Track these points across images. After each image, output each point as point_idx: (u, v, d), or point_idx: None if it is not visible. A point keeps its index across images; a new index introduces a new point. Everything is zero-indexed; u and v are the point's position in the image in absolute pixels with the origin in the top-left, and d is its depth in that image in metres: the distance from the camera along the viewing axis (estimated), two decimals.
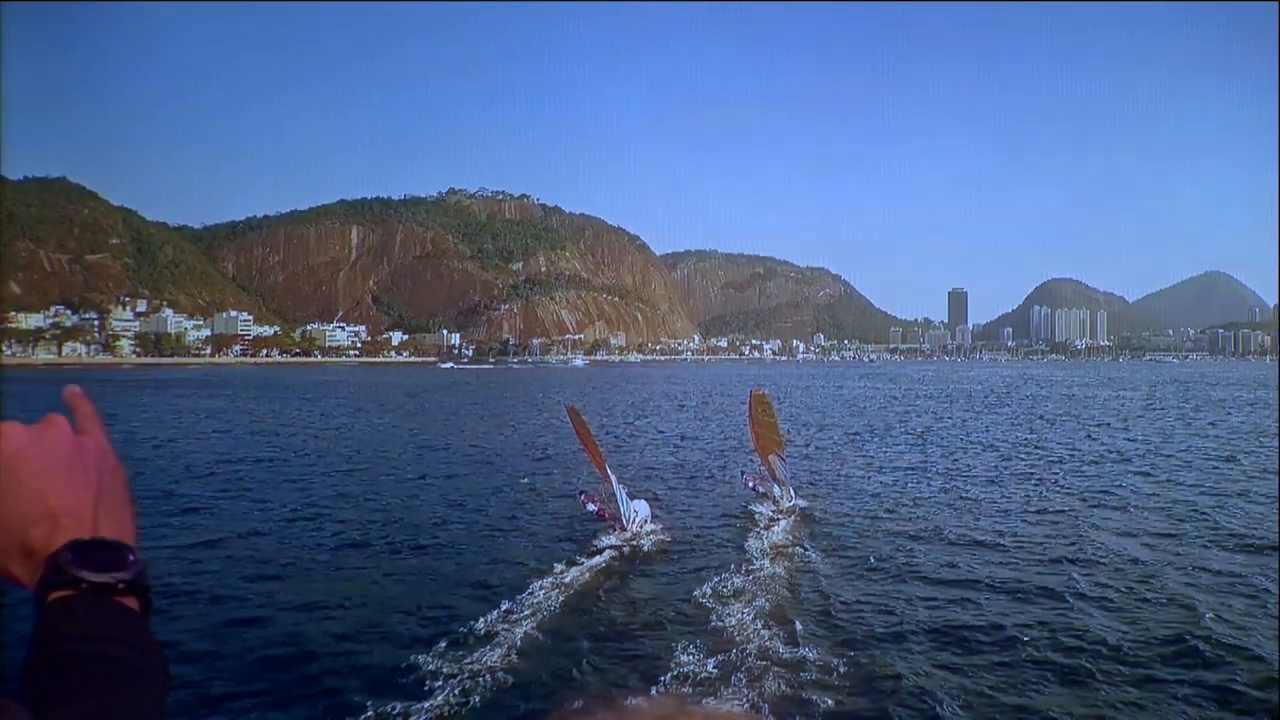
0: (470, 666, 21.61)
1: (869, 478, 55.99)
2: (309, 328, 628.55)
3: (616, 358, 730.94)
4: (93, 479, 1.83)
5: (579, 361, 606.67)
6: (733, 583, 29.67)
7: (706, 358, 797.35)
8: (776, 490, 43.89)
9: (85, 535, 1.74)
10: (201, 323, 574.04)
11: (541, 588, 28.87)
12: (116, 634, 1.67)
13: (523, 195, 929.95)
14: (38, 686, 1.58)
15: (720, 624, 25.32)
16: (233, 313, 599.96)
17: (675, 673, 21.70)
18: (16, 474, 1.72)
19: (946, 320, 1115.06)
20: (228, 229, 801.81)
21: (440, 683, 20.67)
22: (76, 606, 1.68)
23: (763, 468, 45.42)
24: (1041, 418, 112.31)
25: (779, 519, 40.56)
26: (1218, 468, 60.48)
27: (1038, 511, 44.26)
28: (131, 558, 1.78)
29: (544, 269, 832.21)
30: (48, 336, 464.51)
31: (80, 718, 1.53)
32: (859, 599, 28.54)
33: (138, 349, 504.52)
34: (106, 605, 1.70)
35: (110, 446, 1.97)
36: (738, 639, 24.00)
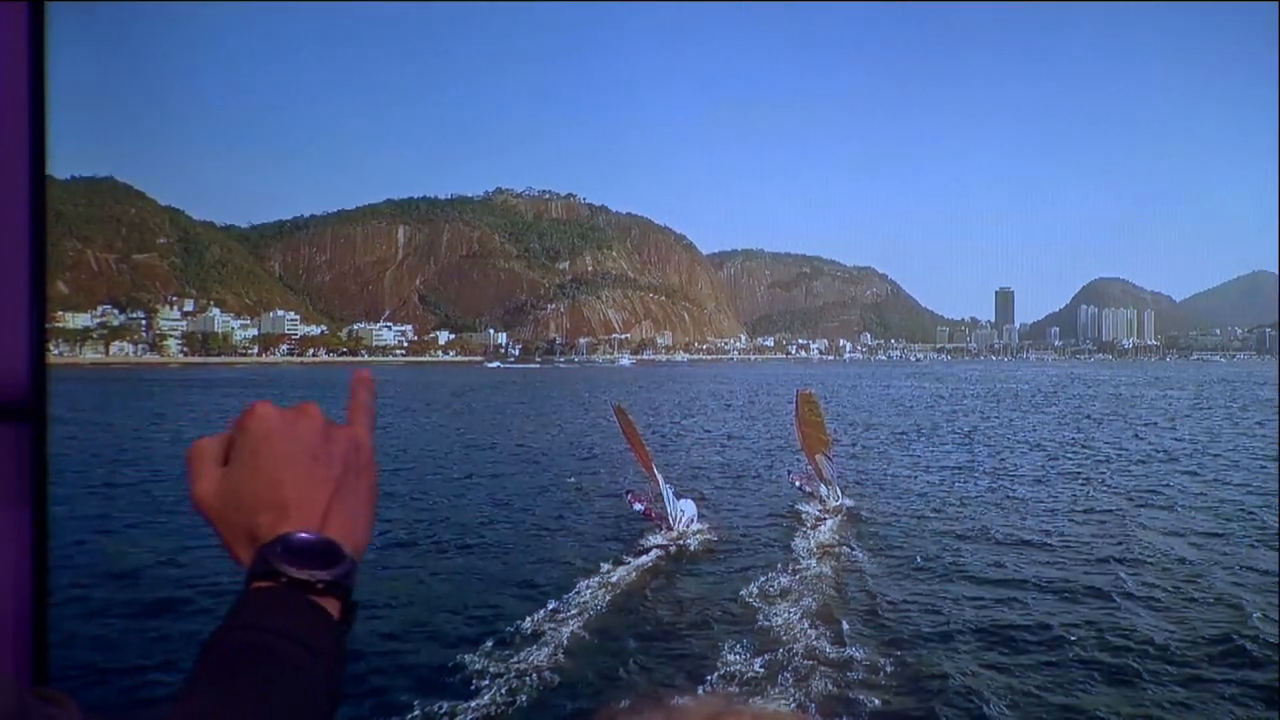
0: (517, 666, 21.61)
1: (916, 477, 55.81)
2: (355, 327, 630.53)
3: (663, 357, 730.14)
4: (335, 473, 1.83)
5: (625, 360, 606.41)
6: (779, 582, 29.60)
7: (753, 357, 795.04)
8: (823, 489, 43.74)
9: (309, 530, 1.73)
10: (248, 322, 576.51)
11: (588, 587, 28.88)
12: (294, 632, 1.62)
13: (569, 195, 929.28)
14: (202, 661, 1.56)
15: (767, 623, 25.25)
16: (279, 312, 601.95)
17: (722, 672, 21.67)
18: (258, 456, 1.72)
19: (993, 320, 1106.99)
20: (275, 228, 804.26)
21: (487, 682, 20.69)
22: (267, 599, 1.65)
23: (809, 467, 45.24)
24: (1088, 417, 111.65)
25: (825, 518, 40.46)
26: (1265, 467, 59.86)
27: (1085, 511, 44.05)
28: (344, 560, 1.75)
29: (590, 268, 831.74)
30: (95, 336, 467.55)
31: (214, 707, 1.51)
32: (906, 598, 28.44)
33: (185, 348, 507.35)
34: (297, 602, 1.66)
35: (369, 443, 1.99)
36: (784, 638, 23.93)
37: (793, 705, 19.73)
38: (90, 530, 37.29)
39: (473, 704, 19.58)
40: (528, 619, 25.16)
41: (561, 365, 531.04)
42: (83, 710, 1.35)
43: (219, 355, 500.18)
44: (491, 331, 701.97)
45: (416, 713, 19.21)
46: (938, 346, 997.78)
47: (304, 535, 1.71)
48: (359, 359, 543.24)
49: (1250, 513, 43.08)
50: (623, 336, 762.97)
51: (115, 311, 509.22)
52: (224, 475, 1.71)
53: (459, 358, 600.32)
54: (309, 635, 1.65)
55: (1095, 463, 63.23)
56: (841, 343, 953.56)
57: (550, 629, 24.45)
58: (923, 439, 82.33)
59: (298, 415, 1.81)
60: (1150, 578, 31.08)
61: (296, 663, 1.59)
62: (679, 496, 38.49)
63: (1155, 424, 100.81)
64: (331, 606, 1.71)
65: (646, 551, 33.78)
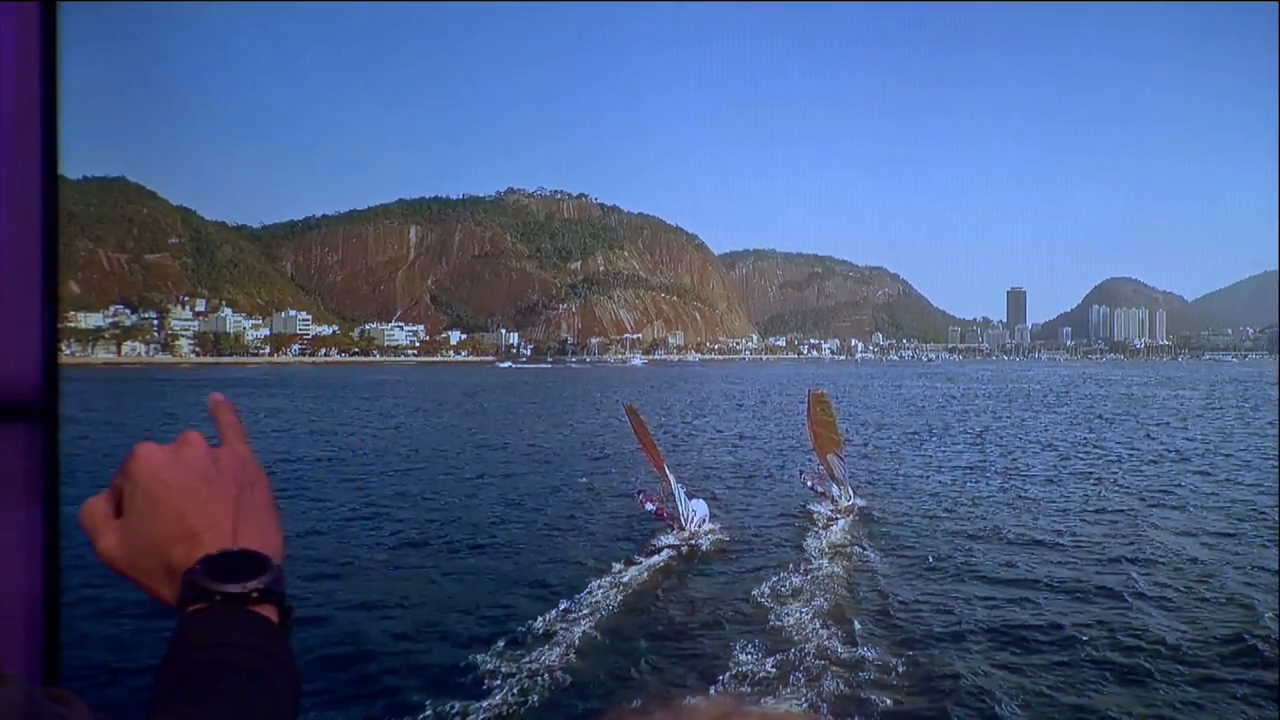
0: (528, 666, 21.64)
1: (927, 477, 55.80)
2: (367, 327, 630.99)
3: (675, 357, 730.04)
4: (231, 491, 1.79)
5: (637, 360, 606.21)
6: (791, 582, 29.61)
7: (765, 357, 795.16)
8: (835, 489, 43.73)
9: (224, 548, 1.71)
10: (260, 322, 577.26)
11: (600, 587, 28.89)
12: (244, 642, 1.64)
13: (581, 195, 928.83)
14: (157, 690, 1.56)
15: (778, 623, 25.27)
16: (291, 312, 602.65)
17: (733, 672, 21.67)
18: (154, 495, 1.70)
19: (1005, 319, 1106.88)
20: (286, 228, 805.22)
21: (498, 682, 20.72)
22: (208, 618, 1.65)
23: (821, 467, 45.27)
24: (1100, 417, 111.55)
25: (837, 518, 40.46)
26: (1277, 467, 59.72)
27: (1096, 511, 44.04)
28: (269, 567, 1.74)
29: (602, 268, 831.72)
30: (107, 336, 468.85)
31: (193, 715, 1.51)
32: (917, 598, 28.44)
33: (196, 348, 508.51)
34: (238, 615, 1.67)
35: (252, 455, 1.91)
36: (796, 638, 23.94)
37: (804, 705, 19.71)
38: None
39: (484, 704, 19.60)
40: (539, 619, 25.19)
41: (573, 365, 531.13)
42: (92, 710, 1.35)
43: (231, 355, 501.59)
44: (503, 331, 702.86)
45: (428, 712, 19.23)
46: (949, 346, 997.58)
47: (224, 552, 1.72)
48: (371, 359, 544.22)
49: (1262, 513, 43.01)
50: (634, 336, 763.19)
51: (127, 311, 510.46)
52: (123, 525, 1.71)
53: (471, 358, 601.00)
54: (262, 643, 1.67)
55: (1107, 463, 63.16)
56: (853, 343, 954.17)
57: (562, 629, 24.48)
58: (934, 439, 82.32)
59: (180, 447, 1.80)
60: (1162, 578, 31.05)
61: (257, 669, 1.61)
62: (691, 496, 38.48)
63: (1167, 424, 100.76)
64: (270, 614, 1.72)
65: (658, 551, 33.80)
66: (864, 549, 35.04)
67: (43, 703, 1.14)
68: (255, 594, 1.69)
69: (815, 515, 41.19)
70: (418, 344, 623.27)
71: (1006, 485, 52.40)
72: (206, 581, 1.66)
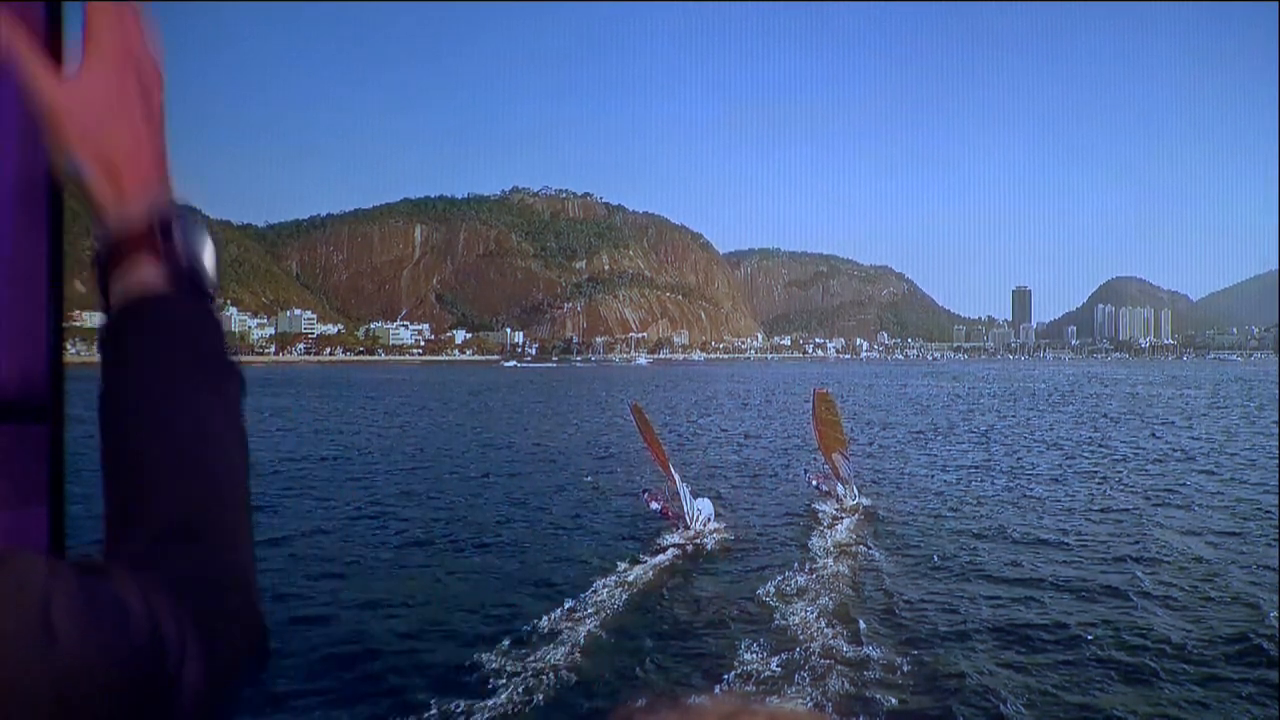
0: (534, 665, 21.66)
1: (932, 476, 55.82)
2: (372, 326, 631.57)
3: (680, 356, 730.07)
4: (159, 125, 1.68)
5: (642, 360, 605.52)
6: (796, 581, 29.62)
7: (770, 356, 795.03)
8: (840, 489, 43.76)
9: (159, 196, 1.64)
10: (265, 321, 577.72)
11: (605, 586, 28.92)
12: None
13: (586, 194, 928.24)
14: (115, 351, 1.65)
15: (784, 622, 25.29)
16: (296, 311, 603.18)
17: (739, 671, 21.70)
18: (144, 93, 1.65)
19: (1010, 319, 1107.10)
20: (292, 227, 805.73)
21: (504, 681, 20.73)
22: (197, 307, 1.68)
23: (826, 466, 45.25)
24: (1105, 416, 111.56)
25: (842, 517, 40.47)
26: None
27: (1101, 510, 44.05)
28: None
29: (607, 267, 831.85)
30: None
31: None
32: (923, 597, 28.44)
33: None
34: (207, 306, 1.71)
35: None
36: (801, 637, 23.96)
37: (810, 704, 19.66)
38: None
39: (489, 703, 19.61)
40: (544, 618, 25.21)
41: (578, 364, 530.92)
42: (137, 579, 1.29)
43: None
44: (508, 331, 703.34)
45: (433, 711, 19.25)
46: (954, 345, 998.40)
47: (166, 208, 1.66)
48: (376, 358, 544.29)
49: (1267, 512, 42.94)
50: (639, 335, 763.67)
51: None
52: (75, 87, 1.57)
53: (476, 357, 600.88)
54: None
55: (1112, 462, 63.18)
56: (858, 342, 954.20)
57: (567, 628, 24.50)
58: (940, 438, 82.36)
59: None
60: (1167, 577, 31.06)
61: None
62: (696, 495, 38.46)
63: (1172, 423, 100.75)
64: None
65: (663, 550, 33.81)
66: (869, 548, 35.05)
67: (97, 586, 1.12)
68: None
69: (821, 514, 41.19)
70: (423, 343, 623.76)
71: (1011, 484, 52.42)
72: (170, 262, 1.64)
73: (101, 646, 1.02)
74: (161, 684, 1.08)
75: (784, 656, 22.47)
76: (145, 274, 1.65)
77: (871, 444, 74.73)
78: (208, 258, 1.69)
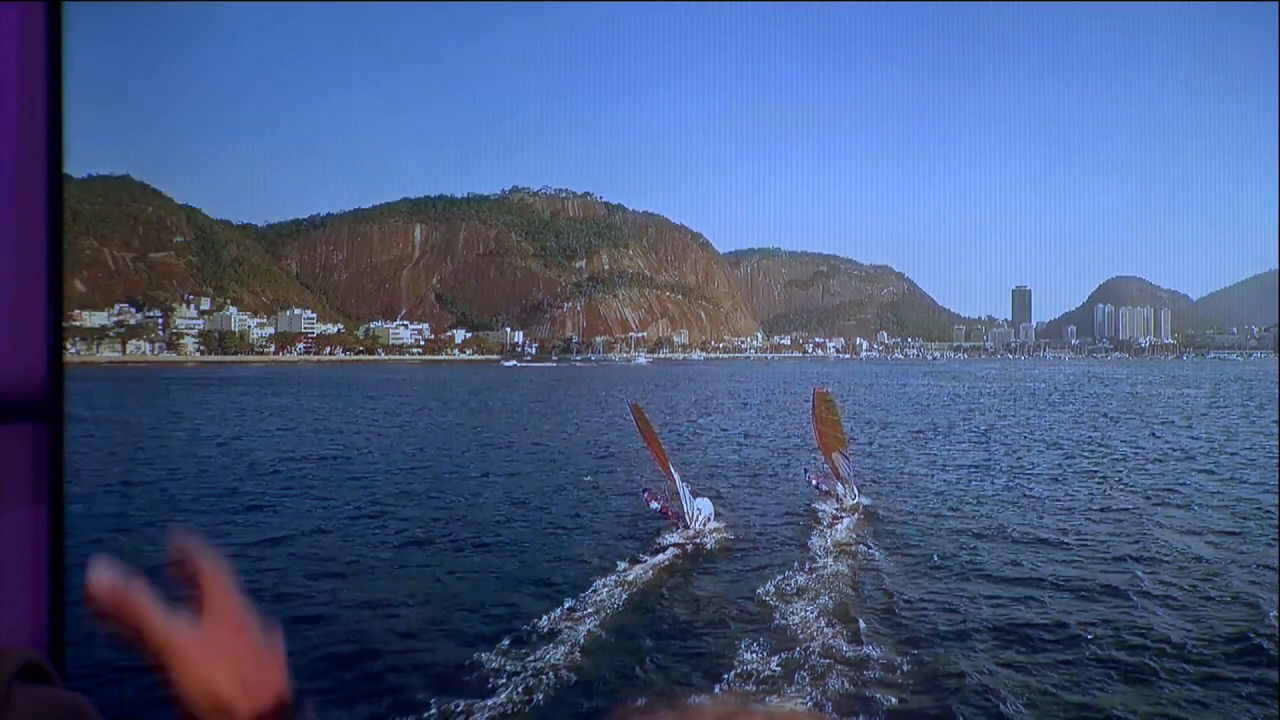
0: (533, 664, 21.66)
1: (932, 475, 55.85)
2: (372, 326, 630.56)
3: (680, 355, 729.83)
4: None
5: (642, 359, 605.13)
6: (796, 581, 29.65)
7: (770, 355, 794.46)
8: (840, 488, 43.79)
9: None
10: (265, 320, 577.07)
11: (605, 585, 28.95)
12: None
13: (585, 193, 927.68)
14: None
15: (783, 622, 25.30)
16: (296, 310, 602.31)
17: (738, 671, 21.69)
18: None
19: (1010, 318, 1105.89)
20: (291, 227, 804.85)
21: (503, 680, 20.75)
22: None
23: (826, 465, 45.29)
24: (1105, 415, 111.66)
25: (842, 517, 40.49)
26: None
27: (1101, 510, 44.09)
28: None
29: (607, 267, 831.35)
30: (112, 334, 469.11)
31: None
32: (922, 597, 28.46)
33: (202, 347, 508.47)
34: None
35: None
36: (801, 637, 23.97)
37: (809, 704, 19.70)
38: (107, 528, 37.42)
39: (489, 702, 19.62)
40: (544, 617, 25.24)
41: (578, 364, 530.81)
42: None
43: (235, 354, 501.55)
44: (508, 330, 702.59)
45: (433, 711, 19.25)
46: (954, 345, 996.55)
47: None
48: (376, 358, 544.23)
49: (1267, 511, 43.04)
50: (639, 335, 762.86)
51: (132, 310, 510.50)
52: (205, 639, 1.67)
53: (475, 356, 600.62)
54: None
55: (1112, 461, 63.26)
56: (858, 341, 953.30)
57: (567, 627, 24.52)
58: (939, 437, 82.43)
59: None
60: (1167, 576, 31.08)
61: None
62: (695, 495, 38.51)
63: (1172, 422, 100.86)
64: None
65: (663, 550, 33.84)
66: (869, 547, 35.10)
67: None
68: None
69: (820, 514, 41.25)
70: (423, 343, 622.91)
71: (1011, 484, 52.47)
72: None
73: None
74: None
75: (784, 656, 22.47)
76: None
77: (871, 443, 74.82)
78: None
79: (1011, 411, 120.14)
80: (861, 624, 25.08)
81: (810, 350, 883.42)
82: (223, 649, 1.65)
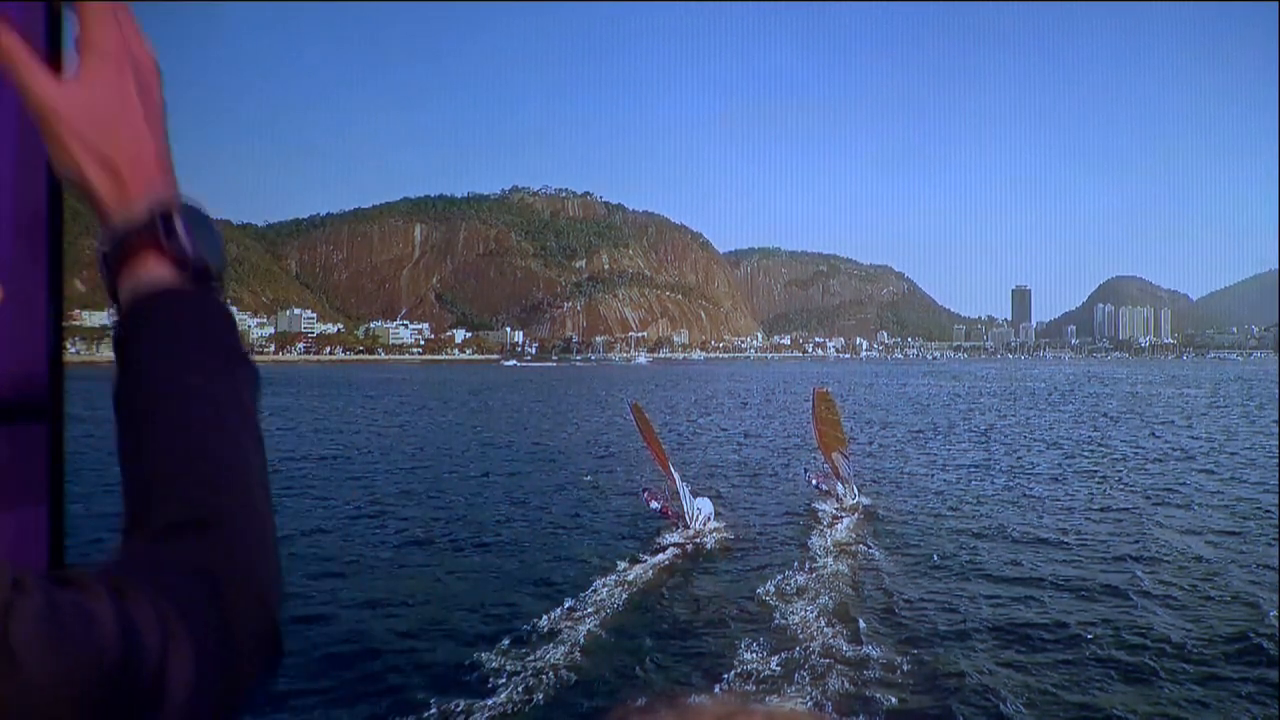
0: (533, 664, 21.65)
1: (932, 475, 55.84)
2: (372, 325, 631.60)
3: (679, 355, 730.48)
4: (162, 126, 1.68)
5: (642, 359, 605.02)
6: (796, 580, 29.63)
7: (770, 355, 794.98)
8: (840, 488, 43.76)
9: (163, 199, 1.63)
10: (265, 320, 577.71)
11: (605, 585, 28.92)
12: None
13: (585, 193, 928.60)
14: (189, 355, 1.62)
15: (783, 622, 25.29)
16: (296, 310, 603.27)
17: (738, 671, 21.69)
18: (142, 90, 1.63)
19: (1010, 318, 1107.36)
20: (291, 226, 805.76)
21: (503, 680, 20.73)
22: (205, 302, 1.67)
23: (826, 465, 45.27)
24: (1105, 415, 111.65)
25: (842, 517, 40.45)
26: None
27: (1101, 509, 44.08)
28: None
29: (607, 267, 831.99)
30: (112, 335, 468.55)
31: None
32: (922, 597, 28.46)
33: None
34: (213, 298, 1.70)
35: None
36: (801, 637, 23.96)
37: (809, 704, 19.68)
38: (108, 528, 37.34)
39: (489, 702, 19.61)
40: (544, 617, 25.22)
41: (578, 364, 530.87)
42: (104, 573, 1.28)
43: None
44: (508, 330, 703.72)
45: (433, 711, 19.25)
46: (954, 345, 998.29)
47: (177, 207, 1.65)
48: (376, 357, 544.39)
49: (1267, 511, 42.99)
50: (639, 335, 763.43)
51: None
52: (72, 87, 1.54)
53: (475, 356, 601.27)
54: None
55: (1112, 461, 63.26)
56: (858, 341, 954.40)
57: (567, 627, 24.50)
58: (939, 437, 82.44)
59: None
60: (1167, 576, 31.08)
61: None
62: (695, 495, 38.48)
63: (1172, 422, 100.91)
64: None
65: (663, 550, 33.82)
66: (869, 547, 35.08)
67: (60, 597, 1.11)
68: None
69: (820, 514, 41.20)
70: (423, 342, 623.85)
71: (1011, 483, 52.47)
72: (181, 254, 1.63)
73: (65, 663, 1.00)
74: (139, 695, 1.06)
75: (784, 656, 22.46)
76: (152, 270, 1.64)
77: (871, 443, 74.77)
78: (214, 248, 1.68)
79: (1011, 411, 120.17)
80: (861, 624, 25.07)
81: (810, 350, 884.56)
82: (96, 112, 1.56)
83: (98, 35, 1.58)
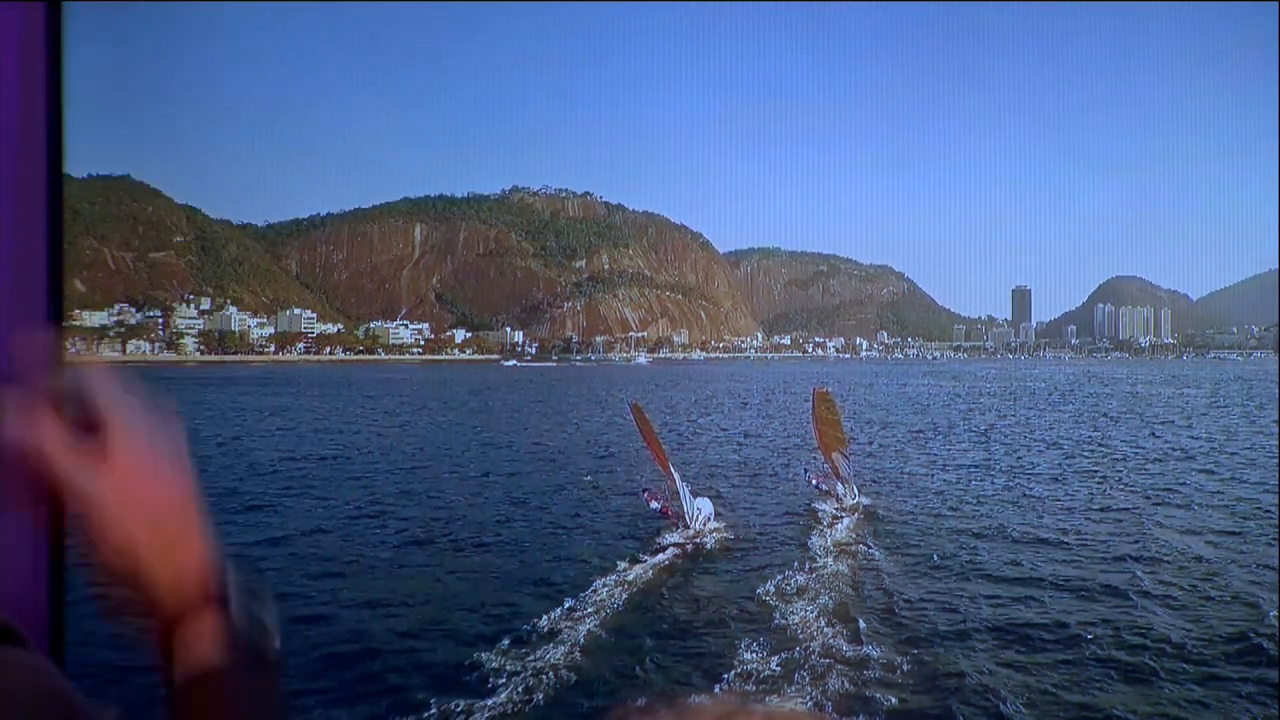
0: (533, 664, 21.65)
1: (932, 475, 55.82)
2: (372, 325, 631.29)
3: (680, 355, 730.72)
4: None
5: (642, 359, 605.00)
6: (796, 580, 29.63)
7: (770, 355, 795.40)
8: (840, 488, 43.76)
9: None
10: (265, 320, 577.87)
11: (604, 585, 28.93)
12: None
13: (586, 193, 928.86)
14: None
15: (783, 622, 25.28)
16: (296, 310, 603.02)
17: (738, 671, 21.67)
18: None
19: (1010, 318, 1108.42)
20: (291, 226, 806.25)
21: (503, 680, 20.73)
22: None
23: (826, 465, 45.27)
24: (1105, 415, 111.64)
25: (842, 517, 40.45)
26: None
27: (1101, 509, 44.03)
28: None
29: (607, 267, 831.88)
30: (112, 334, 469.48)
31: None
32: (922, 597, 28.44)
33: (201, 346, 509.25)
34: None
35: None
36: (801, 637, 23.95)
37: (809, 704, 19.69)
38: None
39: (489, 702, 19.61)
40: (544, 617, 25.23)
41: (578, 364, 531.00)
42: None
43: (236, 353, 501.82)
44: (508, 330, 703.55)
45: (433, 711, 19.25)
46: (954, 345, 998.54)
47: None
48: (376, 357, 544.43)
49: (1267, 511, 43.00)
50: (639, 335, 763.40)
51: (132, 310, 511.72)
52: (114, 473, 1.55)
53: (476, 356, 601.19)
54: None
55: (1112, 461, 63.23)
56: (858, 341, 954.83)
57: (567, 627, 24.51)
58: (939, 437, 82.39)
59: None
60: (1167, 576, 31.06)
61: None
62: (695, 495, 38.46)
63: (1172, 422, 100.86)
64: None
65: (663, 550, 33.81)
66: (869, 547, 35.07)
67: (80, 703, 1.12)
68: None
69: (820, 514, 41.19)
70: (422, 342, 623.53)
71: (1011, 483, 52.42)
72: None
73: None
74: None
75: (784, 656, 22.45)
76: (205, 645, 1.60)
77: (871, 443, 74.79)
78: (268, 622, 1.70)
79: (1011, 411, 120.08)
80: (861, 624, 25.06)
81: (810, 350, 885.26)
82: (141, 504, 1.58)
83: (127, 425, 1.62)
